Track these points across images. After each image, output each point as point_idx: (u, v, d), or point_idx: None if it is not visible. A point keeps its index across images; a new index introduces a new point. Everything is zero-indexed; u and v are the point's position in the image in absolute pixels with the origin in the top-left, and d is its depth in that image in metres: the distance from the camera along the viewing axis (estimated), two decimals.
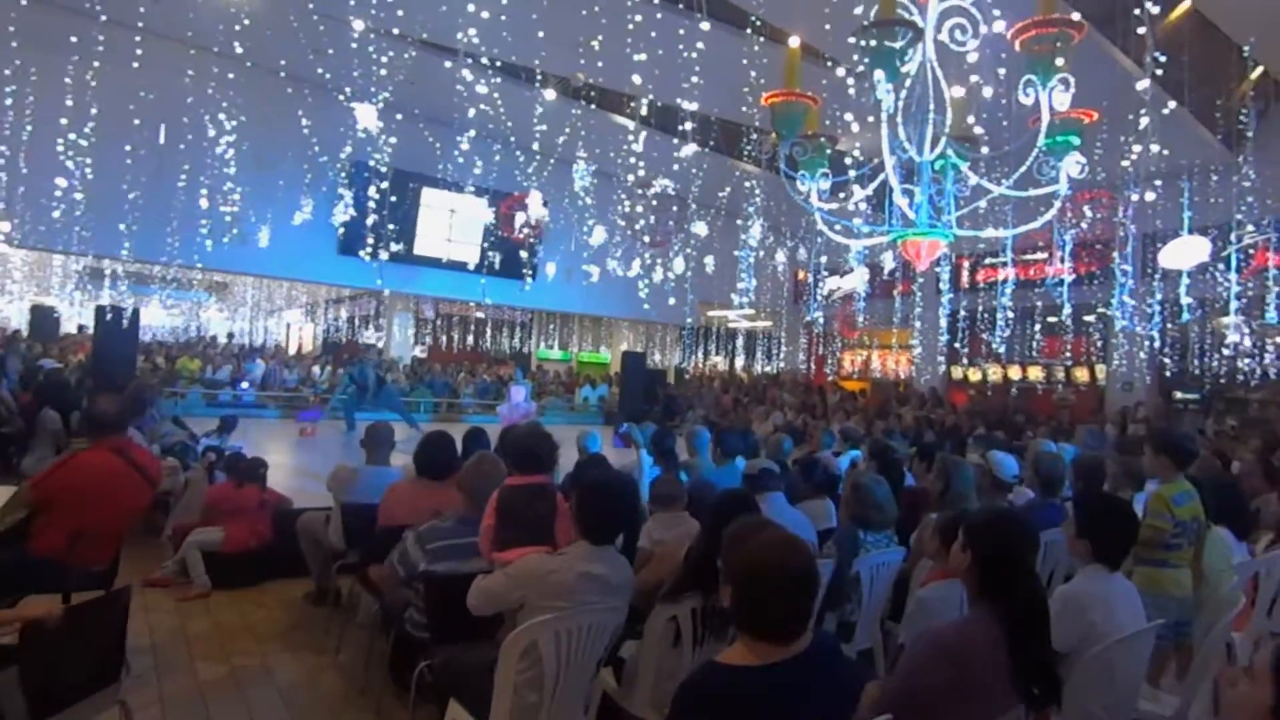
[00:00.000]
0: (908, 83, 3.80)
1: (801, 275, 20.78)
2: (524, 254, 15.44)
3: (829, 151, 7.08)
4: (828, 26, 8.40)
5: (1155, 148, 8.16)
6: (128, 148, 10.65)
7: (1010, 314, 13.48)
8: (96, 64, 9.40)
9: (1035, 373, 16.80)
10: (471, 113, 10.86)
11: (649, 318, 20.71)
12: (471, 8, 10.14)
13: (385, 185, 11.18)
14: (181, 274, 16.59)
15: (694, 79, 9.71)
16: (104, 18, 8.60)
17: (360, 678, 3.99)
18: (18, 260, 16.18)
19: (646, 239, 10.51)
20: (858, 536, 3.75)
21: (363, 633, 4.23)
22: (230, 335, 22.88)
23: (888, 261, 15.12)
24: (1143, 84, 7.33)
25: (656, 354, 23.60)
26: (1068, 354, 15.66)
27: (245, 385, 14.38)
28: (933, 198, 4.92)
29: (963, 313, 16.34)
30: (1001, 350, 14.40)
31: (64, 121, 9.90)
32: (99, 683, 2.59)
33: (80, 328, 16.85)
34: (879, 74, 3.33)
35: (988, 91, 5.53)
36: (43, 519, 3.64)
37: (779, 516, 3.55)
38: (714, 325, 22.28)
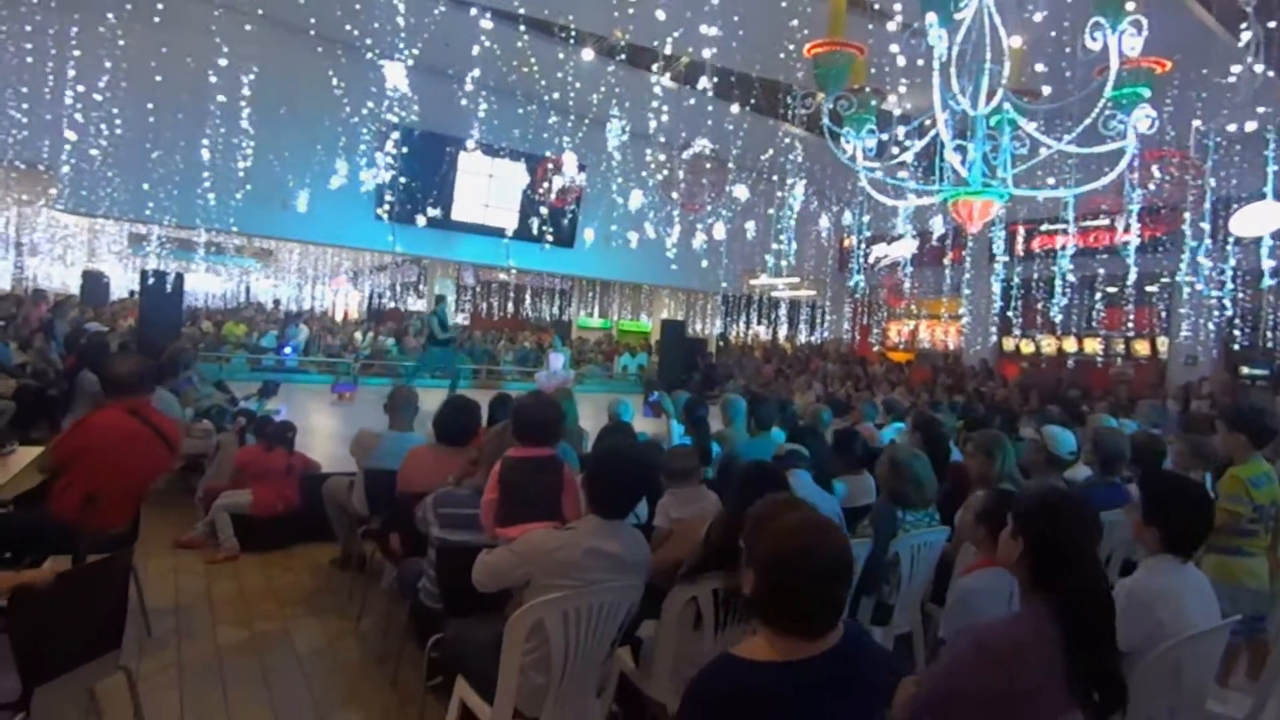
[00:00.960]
0: (962, 30, 3.50)
1: (846, 242, 20.20)
2: (565, 220, 15.24)
3: (874, 105, 6.65)
4: None
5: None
6: (169, 113, 10.70)
7: (1069, 282, 12.91)
8: (135, 27, 9.37)
9: (1092, 345, 16.13)
10: (506, 75, 10.61)
11: (689, 285, 20.42)
12: None
13: (416, 149, 10.98)
14: (225, 240, 16.79)
15: (734, 31, 9.26)
16: None
17: (380, 646, 3.92)
18: (72, 226, 16.56)
19: (675, 196, 10.14)
20: (895, 515, 3.51)
21: (384, 600, 4.16)
22: (276, 301, 23.24)
23: (937, 226, 14.50)
24: (1246, 36, 6.69)
25: (697, 323, 23.29)
26: (1129, 325, 14.95)
27: (288, 350, 14.55)
28: (987, 156, 4.60)
29: (1016, 281, 15.71)
30: (1059, 320, 13.82)
31: (102, 84, 9.94)
32: (97, 648, 2.51)
33: (131, 293, 17.23)
34: (931, 17, 3.04)
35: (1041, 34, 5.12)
36: (60, 481, 3.60)
37: (802, 494, 3.32)
38: (755, 294, 21.87)
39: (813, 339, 22.70)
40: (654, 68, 12.92)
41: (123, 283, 19.34)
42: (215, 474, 5.81)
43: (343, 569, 4.96)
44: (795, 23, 9.82)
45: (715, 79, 9.40)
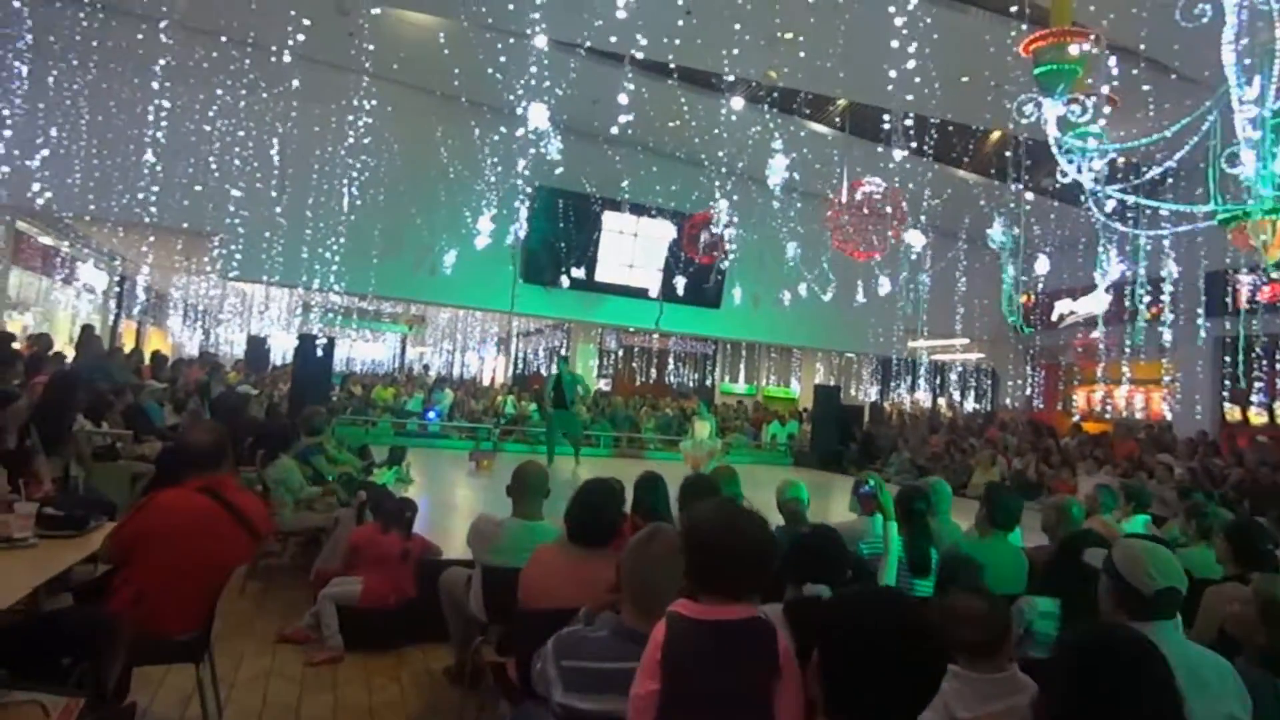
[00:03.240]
0: None
1: (1027, 298, 18.12)
2: (711, 279, 14.47)
3: (1108, 114, 5.34)
4: None
5: None
6: (325, 179, 10.92)
7: None
8: (292, 100, 9.60)
9: None
10: (653, 130, 10.09)
11: (844, 347, 19.01)
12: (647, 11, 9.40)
13: (560, 208, 10.64)
14: (380, 306, 17.24)
15: (906, 66, 8.20)
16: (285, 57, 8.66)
17: None
18: (247, 293, 17.60)
19: (843, 241, 9.02)
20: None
21: None
22: (425, 367, 23.83)
23: (1169, 270, 12.15)
24: None
25: (851, 388, 21.67)
26: None
27: (432, 415, 14.44)
28: None
29: (1241, 337, 13.20)
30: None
31: (273, 153, 10.24)
32: None
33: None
34: None
35: None
36: (121, 573, 2.96)
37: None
38: (915, 356, 20.05)
39: (980, 406, 20.49)
40: (807, 113, 12.09)
41: (289, 349, 20.41)
42: (330, 555, 5.18)
43: (455, 683, 4.08)
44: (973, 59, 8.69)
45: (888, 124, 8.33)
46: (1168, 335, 13.05)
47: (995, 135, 13.33)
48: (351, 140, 9.92)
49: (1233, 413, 14.82)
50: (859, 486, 3.42)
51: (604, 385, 22.06)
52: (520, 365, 25.74)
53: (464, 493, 9.01)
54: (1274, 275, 13.58)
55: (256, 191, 10.75)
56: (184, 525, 2.93)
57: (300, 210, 10.56)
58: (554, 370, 12.31)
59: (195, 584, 3.05)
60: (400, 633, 4.64)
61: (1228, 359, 13.24)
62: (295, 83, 9.62)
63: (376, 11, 9.77)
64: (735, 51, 9.25)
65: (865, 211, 8.76)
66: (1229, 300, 12.83)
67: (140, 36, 9.27)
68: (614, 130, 10.97)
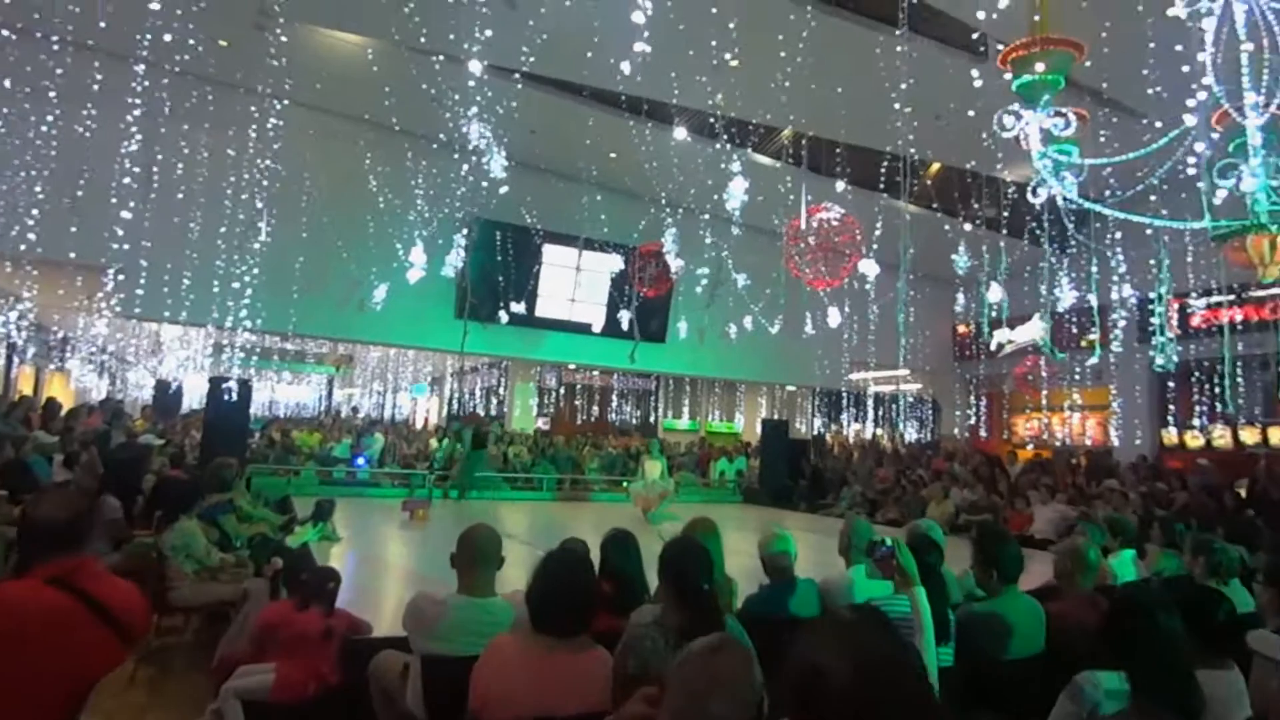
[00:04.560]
0: None
1: (964, 329, 18.31)
2: (654, 314, 14.06)
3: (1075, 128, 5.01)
4: None
5: None
6: (237, 211, 10.10)
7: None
8: (202, 124, 8.83)
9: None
10: (596, 161, 9.69)
11: (791, 380, 18.86)
12: (598, 40, 9.02)
13: (497, 242, 10.08)
14: (306, 346, 16.22)
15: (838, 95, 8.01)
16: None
17: None
18: (157, 332, 16.32)
19: (808, 271, 8.72)
20: None
21: None
22: (354, 409, 22.64)
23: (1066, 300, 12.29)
24: None
25: (795, 421, 21.51)
26: None
27: (361, 461, 13.49)
28: None
29: (1175, 363, 13.46)
30: (1230, 408, 11.61)
31: (181, 185, 9.39)
32: None
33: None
34: None
35: None
36: None
37: None
38: (859, 388, 20.04)
39: (921, 437, 20.57)
40: (750, 145, 11.88)
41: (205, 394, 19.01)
42: (236, 637, 4.40)
43: None
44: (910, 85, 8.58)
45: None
46: (1110, 360, 13.27)
47: (935, 168, 13.41)
48: (268, 167, 9.13)
49: (1170, 437, 15.12)
50: (874, 549, 2.90)
51: (543, 424, 21.34)
52: (455, 406, 24.76)
53: (398, 549, 8.21)
54: (1209, 301, 14.13)
55: (161, 222, 9.84)
56: (24, 631, 2.21)
57: (210, 242, 9.69)
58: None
59: (43, 706, 2.32)
60: None
61: (1170, 384, 13.51)
62: (188, 103, 8.84)
63: (297, 28, 9.11)
64: (680, 78, 8.94)
65: (827, 238, 8.49)
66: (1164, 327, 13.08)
67: (17, 54, 8.40)
68: (554, 160, 10.55)
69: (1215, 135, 4.49)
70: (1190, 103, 4.22)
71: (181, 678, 4.84)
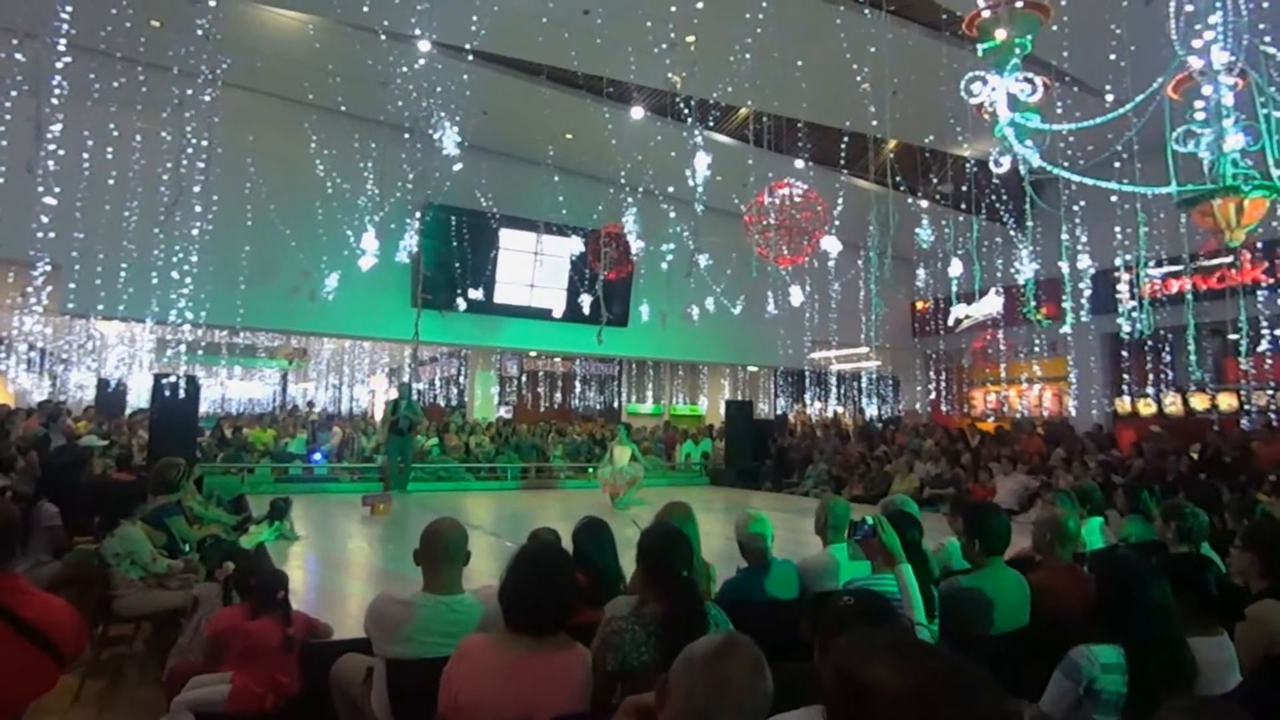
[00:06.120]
0: None
1: (921, 305, 18.49)
2: (615, 297, 13.87)
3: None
4: None
5: None
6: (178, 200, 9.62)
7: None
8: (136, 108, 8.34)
9: (1229, 400, 14.00)
10: (553, 144, 9.43)
11: (754, 361, 18.85)
12: (546, 20, 8.77)
13: (453, 227, 9.79)
14: (254, 340, 15.67)
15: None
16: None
17: None
18: (99, 329, 15.60)
19: (769, 252, 8.62)
20: None
21: None
22: (310, 404, 22.05)
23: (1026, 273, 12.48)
24: None
25: (759, 403, 21.57)
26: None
27: (317, 457, 13.10)
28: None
29: (1129, 333, 13.76)
30: (1197, 375, 11.86)
31: (111, 172, 8.89)
32: None
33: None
34: None
35: None
36: None
37: None
38: (820, 367, 20.15)
39: (882, 412, 20.79)
40: (709, 125, 11.72)
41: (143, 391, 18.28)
42: (188, 647, 4.15)
43: None
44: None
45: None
46: (1065, 331, 13.51)
47: (892, 144, 13.41)
48: (206, 150, 8.68)
49: (1123, 405, 15.46)
50: (855, 530, 2.80)
51: (505, 413, 21.03)
52: (416, 395, 24.28)
53: (358, 545, 7.93)
54: (1158, 271, 14.43)
55: (93, 212, 9.32)
56: None
57: (147, 232, 9.18)
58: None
59: None
60: None
61: (1124, 354, 13.78)
62: (116, 84, 8.34)
63: (233, 4, 8.66)
64: (635, 55, 8.73)
65: (791, 214, 8.38)
66: (1116, 298, 13.30)
67: None
68: (510, 142, 10.25)
69: (1174, 99, 4.47)
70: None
71: (133, 690, 4.60)
